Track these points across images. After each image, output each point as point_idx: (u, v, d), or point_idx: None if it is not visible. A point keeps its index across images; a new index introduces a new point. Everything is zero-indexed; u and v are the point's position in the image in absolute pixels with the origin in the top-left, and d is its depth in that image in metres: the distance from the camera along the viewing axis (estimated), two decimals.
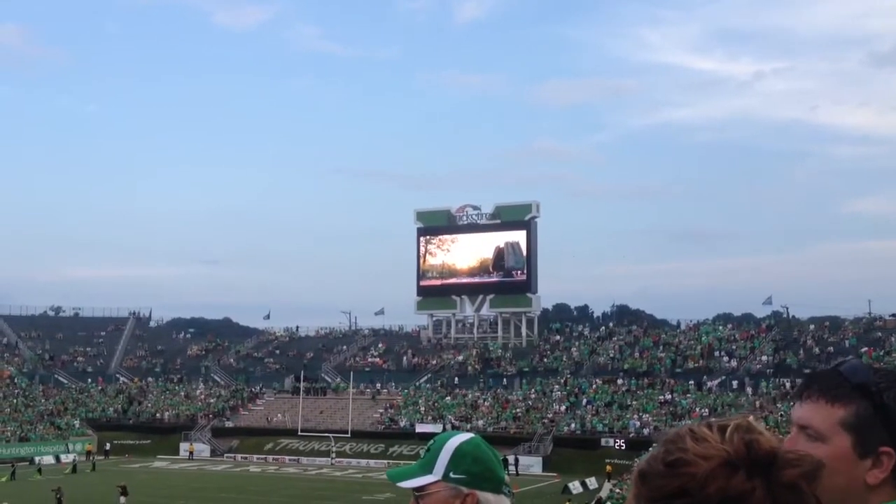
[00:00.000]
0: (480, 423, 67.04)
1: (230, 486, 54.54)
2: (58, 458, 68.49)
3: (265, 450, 70.73)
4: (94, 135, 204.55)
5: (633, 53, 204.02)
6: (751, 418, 1.30)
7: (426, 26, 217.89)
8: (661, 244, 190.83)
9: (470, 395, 73.13)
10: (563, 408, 68.38)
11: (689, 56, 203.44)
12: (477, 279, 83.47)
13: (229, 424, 76.44)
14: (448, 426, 64.64)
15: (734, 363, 70.07)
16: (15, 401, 79.03)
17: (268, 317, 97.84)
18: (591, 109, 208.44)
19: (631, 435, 61.57)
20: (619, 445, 60.62)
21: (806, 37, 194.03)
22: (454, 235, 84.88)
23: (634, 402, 66.65)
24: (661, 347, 74.36)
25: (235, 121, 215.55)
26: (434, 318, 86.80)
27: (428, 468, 2.17)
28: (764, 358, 69.70)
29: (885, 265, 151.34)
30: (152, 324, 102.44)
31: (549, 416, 67.63)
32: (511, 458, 57.72)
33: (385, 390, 77.47)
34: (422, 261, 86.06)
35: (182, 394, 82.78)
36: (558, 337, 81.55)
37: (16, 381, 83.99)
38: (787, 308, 79.36)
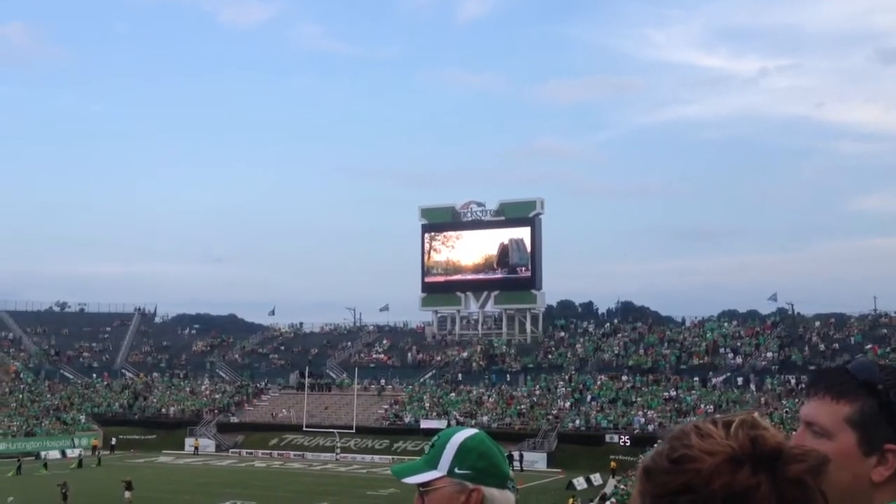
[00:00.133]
0: (485, 419, 67.09)
1: (235, 481, 54.62)
2: (63, 453, 68.69)
3: (270, 445, 70.85)
4: (99, 133, 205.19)
5: (637, 51, 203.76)
6: (755, 414, 1.31)
7: (428, 25, 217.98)
8: (665, 241, 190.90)
9: (474, 392, 73.17)
10: (567, 404, 68.38)
11: (694, 53, 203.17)
12: (481, 276, 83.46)
13: (234, 420, 76.58)
14: (452, 422, 64.67)
15: (739, 360, 69.98)
16: (21, 396, 79.25)
17: (273, 313, 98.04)
18: (594, 108, 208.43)
19: (635, 431, 61.55)
20: (624, 442, 60.60)
21: (811, 34, 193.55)
22: (459, 232, 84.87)
23: (639, 399, 66.62)
24: (665, 344, 74.30)
25: (239, 119, 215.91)
26: (439, 315, 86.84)
27: (433, 464, 2.17)
28: (769, 355, 69.61)
29: (891, 262, 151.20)
30: (157, 319, 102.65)
31: (554, 412, 67.65)
32: (516, 454, 57.74)
33: (390, 386, 77.56)
34: (426, 257, 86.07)
35: (187, 389, 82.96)
36: (563, 333, 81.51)
37: (21, 376, 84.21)
38: (793, 305, 79.20)
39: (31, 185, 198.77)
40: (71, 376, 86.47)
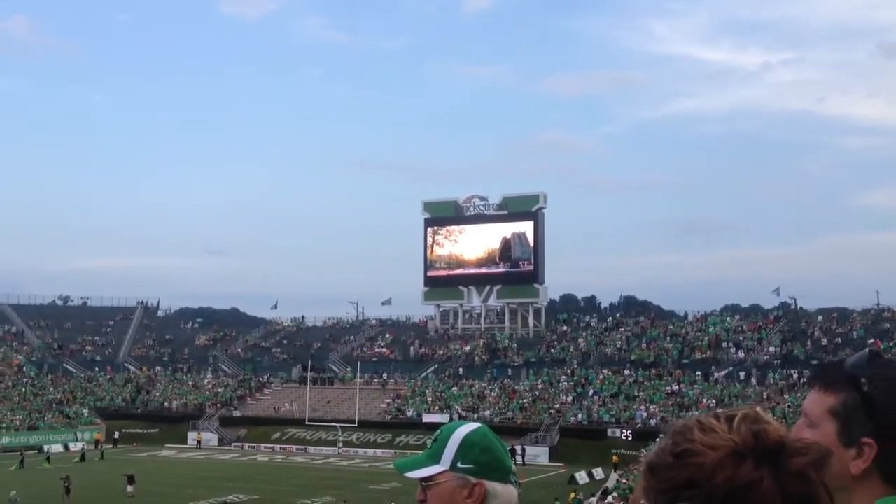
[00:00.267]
0: (487, 413, 67.15)
1: (238, 475, 54.71)
2: (66, 447, 68.82)
3: (272, 439, 70.96)
4: (101, 126, 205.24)
5: (640, 45, 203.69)
6: (758, 409, 1.31)
7: (434, 17, 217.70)
8: (668, 235, 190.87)
9: (477, 386, 73.21)
10: (569, 398, 68.41)
11: (697, 47, 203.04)
12: (484, 270, 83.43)
13: (237, 414, 76.70)
14: (455, 416, 64.73)
15: (742, 354, 69.97)
16: (24, 389, 79.38)
17: (275, 307, 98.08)
18: (598, 101, 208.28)
19: (638, 425, 61.58)
20: (626, 436, 60.63)
21: (814, 27, 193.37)
22: (461, 226, 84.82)
23: (641, 393, 66.64)
24: (668, 338, 74.28)
25: (241, 113, 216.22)
26: (441, 309, 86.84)
27: (435, 458, 2.17)
28: (771, 349, 69.59)
29: (894, 257, 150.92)
30: (160, 313, 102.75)
31: (556, 406, 67.68)
32: (518, 449, 57.80)
33: (392, 380, 77.61)
34: (429, 251, 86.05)
35: (190, 383, 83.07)
36: (565, 327, 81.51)
37: (24, 369, 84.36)
38: (796, 299, 79.27)
39: (34, 178, 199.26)
40: (74, 370, 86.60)
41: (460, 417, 62.84)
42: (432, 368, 78.30)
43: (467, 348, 79.96)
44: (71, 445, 69.35)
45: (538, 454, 61.13)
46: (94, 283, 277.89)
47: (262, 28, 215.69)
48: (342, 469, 58.78)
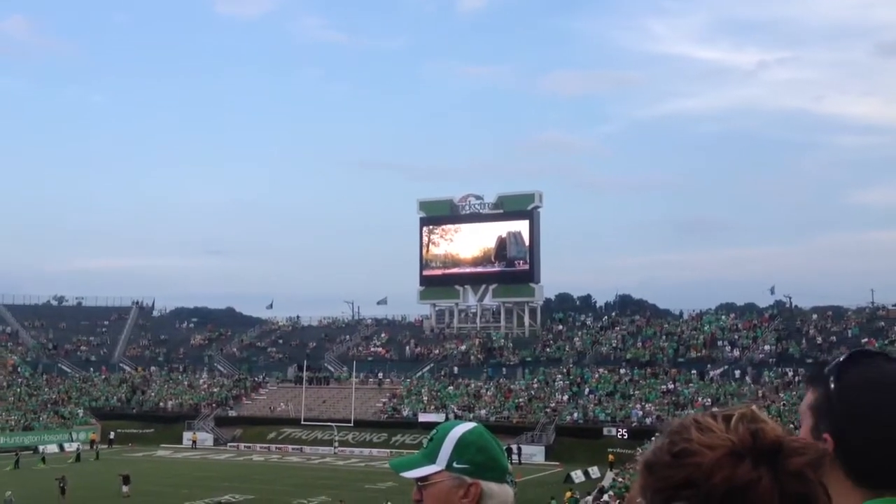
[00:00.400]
0: (483, 412, 67.16)
1: (233, 475, 54.66)
2: (61, 447, 68.72)
3: (268, 439, 70.91)
4: (101, 127, 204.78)
5: (638, 44, 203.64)
6: (753, 407, 1.30)
7: (433, 17, 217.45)
8: (665, 234, 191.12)
9: (473, 385, 73.22)
10: (565, 397, 68.46)
11: (694, 46, 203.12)
12: (480, 269, 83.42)
13: (232, 414, 76.63)
14: (451, 416, 64.73)
15: (737, 353, 70.09)
16: (18, 390, 79.23)
17: (271, 306, 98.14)
18: (596, 101, 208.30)
19: (633, 424, 61.64)
20: (622, 435, 60.70)
21: (811, 27, 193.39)
22: (457, 225, 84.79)
23: (637, 392, 66.71)
24: (663, 337, 74.37)
25: (241, 113, 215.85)
26: (437, 308, 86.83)
27: (431, 458, 2.17)
28: (766, 347, 69.71)
29: (889, 255, 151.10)
30: (155, 313, 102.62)
31: (552, 405, 67.72)
32: (514, 448, 57.81)
33: (388, 380, 77.59)
34: (424, 251, 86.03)
35: (185, 383, 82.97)
36: (561, 327, 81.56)
37: (19, 370, 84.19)
38: (790, 298, 79.34)
39: (32, 179, 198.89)
40: (69, 370, 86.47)
41: (456, 417, 62.89)
42: (428, 368, 78.30)
43: (463, 347, 79.97)
44: (66, 446, 69.22)
45: (534, 453, 61.16)
46: (89, 283, 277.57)
47: (261, 28, 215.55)
48: (338, 469, 58.75)
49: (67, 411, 76.75)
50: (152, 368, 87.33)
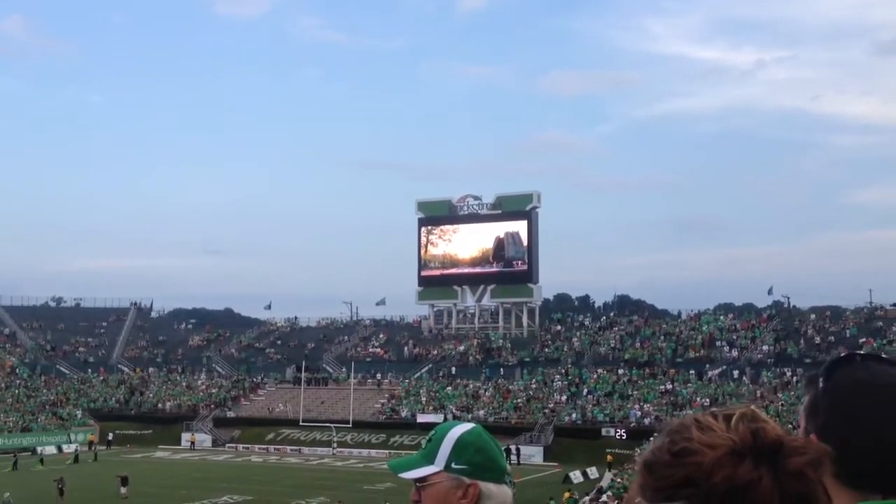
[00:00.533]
0: (481, 413, 67.15)
1: (231, 476, 54.63)
2: (60, 449, 68.68)
3: (267, 440, 70.86)
4: (99, 127, 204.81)
5: (636, 44, 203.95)
6: (753, 407, 1.29)
7: (432, 18, 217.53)
8: (663, 234, 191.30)
9: (471, 386, 73.22)
10: (563, 398, 68.46)
11: (692, 46, 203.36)
12: (478, 269, 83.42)
13: (231, 415, 76.58)
14: (449, 416, 64.72)
15: (735, 353, 70.11)
16: (17, 391, 79.19)
17: (269, 307, 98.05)
18: (595, 101, 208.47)
19: (632, 425, 61.64)
20: (620, 435, 60.69)
21: (809, 26, 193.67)
22: (455, 226, 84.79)
23: (635, 392, 66.71)
24: (661, 337, 74.39)
25: (240, 113, 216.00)
26: (435, 309, 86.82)
27: (429, 459, 2.17)
28: (765, 347, 69.73)
29: (887, 255, 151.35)
30: (154, 314, 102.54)
31: (550, 405, 67.72)
32: (512, 448, 57.81)
33: (386, 380, 77.56)
34: (423, 251, 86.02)
35: (184, 384, 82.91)
36: (559, 327, 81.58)
37: (17, 371, 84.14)
38: (789, 298, 79.40)
39: (31, 179, 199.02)
40: (67, 371, 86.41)
41: (454, 417, 62.84)
42: (426, 368, 78.29)
43: (461, 348, 79.97)
44: (64, 447, 69.19)
45: (532, 454, 61.17)
46: (88, 284, 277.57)
47: (260, 28, 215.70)
48: (336, 469, 58.73)
49: (66, 412, 76.69)
50: (150, 369, 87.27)
